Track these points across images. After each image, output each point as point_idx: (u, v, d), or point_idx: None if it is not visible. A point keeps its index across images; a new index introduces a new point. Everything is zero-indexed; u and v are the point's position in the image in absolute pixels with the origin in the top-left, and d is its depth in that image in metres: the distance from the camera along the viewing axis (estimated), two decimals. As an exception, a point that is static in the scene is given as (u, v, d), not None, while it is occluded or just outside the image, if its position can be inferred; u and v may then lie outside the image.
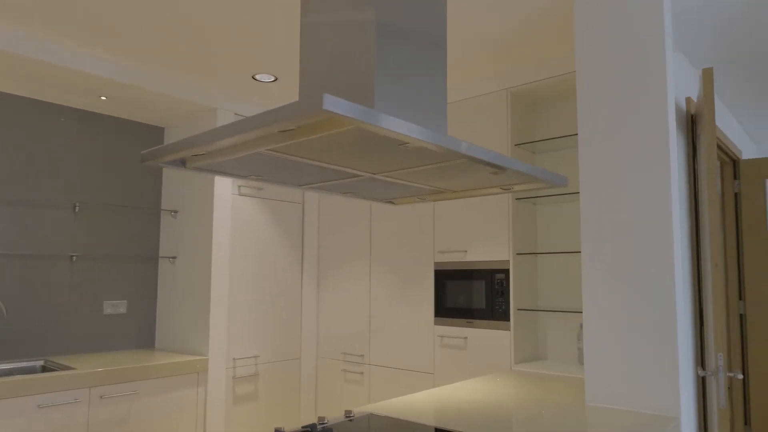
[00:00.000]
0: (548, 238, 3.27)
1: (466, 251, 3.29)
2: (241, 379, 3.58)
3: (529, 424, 1.83)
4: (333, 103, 1.07)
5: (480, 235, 3.22)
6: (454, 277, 3.32)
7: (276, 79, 3.40)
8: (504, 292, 3.10)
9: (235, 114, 3.64)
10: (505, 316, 3.08)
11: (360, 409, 2.02)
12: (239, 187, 3.66)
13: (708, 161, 2.50)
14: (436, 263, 3.41)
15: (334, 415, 3.89)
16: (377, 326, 3.68)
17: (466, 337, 3.23)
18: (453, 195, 1.96)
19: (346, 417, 1.88)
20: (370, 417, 1.90)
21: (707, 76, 2.53)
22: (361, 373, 3.72)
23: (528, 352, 3.20)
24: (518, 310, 3.11)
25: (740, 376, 2.53)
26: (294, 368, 3.91)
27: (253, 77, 3.37)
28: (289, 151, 1.40)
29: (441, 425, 1.79)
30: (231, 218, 3.60)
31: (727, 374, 2.67)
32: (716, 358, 2.47)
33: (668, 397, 1.98)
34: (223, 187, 3.54)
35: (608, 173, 2.18)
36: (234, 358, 3.56)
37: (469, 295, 3.24)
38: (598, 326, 2.15)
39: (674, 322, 1.99)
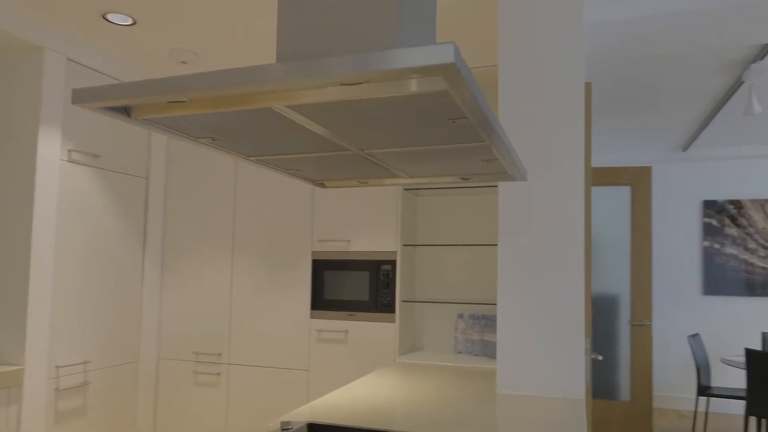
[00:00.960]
0: (427, 231, 3.27)
1: (349, 241, 3.11)
2: (65, 391, 2.88)
3: (475, 417, 1.76)
4: (458, 56, 0.83)
5: (365, 224, 3.08)
6: (336, 267, 3.12)
7: (134, 23, 2.78)
8: (390, 284, 3.00)
9: (68, 59, 2.89)
10: (390, 308, 2.99)
11: (293, 418, 1.73)
12: (69, 151, 2.92)
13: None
14: (314, 252, 3.17)
15: (181, 426, 3.38)
16: (240, 321, 3.29)
17: (347, 331, 3.06)
18: (414, 181, 1.79)
19: (284, 429, 1.59)
20: (312, 427, 1.64)
21: (587, 89, 2.76)
22: (218, 374, 3.29)
23: (408, 344, 3.16)
24: (403, 302, 3.05)
25: (600, 357, 2.83)
26: (131, 373, 3.28)
27: (103, 16, 2.71)
28: (302, 113, 1.09)
29: (398, 428, 1.61)
30: (58, 191, 2.86)
31: (590, 356, 2.97)
32: (585, 342, 2.72)
33: (575, 381, 2.10)
34: (50, 149, 2.78)
35: (526, 167, 2.22)
36: (57, 366, 2.84)
37: (352, 286, 3.08)
38: (512, 317, 2.19)
39: (581, 312, 2.11)
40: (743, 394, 4.36)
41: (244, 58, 3.16)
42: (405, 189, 3.10)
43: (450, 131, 1.20)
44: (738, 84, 3.66)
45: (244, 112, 1.09)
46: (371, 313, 3.03)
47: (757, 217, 5.73)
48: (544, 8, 2.25)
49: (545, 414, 1.87)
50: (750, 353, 3.85)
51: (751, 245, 5.72)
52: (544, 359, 2.14)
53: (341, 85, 0.96)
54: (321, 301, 3.13)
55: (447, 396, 2.10)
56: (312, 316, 3.14)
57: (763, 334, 4.87)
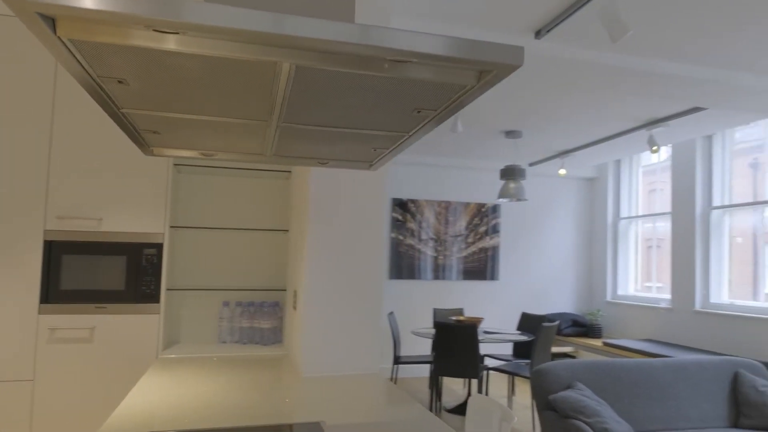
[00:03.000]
0: (191, 212, 2.99)
1: (101, 219, 2.60)
2: None
3: (292, 402, 1.76)
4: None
5: (123, 201, 2.63)
6: (80, 251, 2.57)
7: None
8: (154, 270, 2.64)
9: None
10: (153, 298, 2.63)
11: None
12: None
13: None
14: (47, 232, 2.54)
15: None
16: None
17: (93, 327, 2.56)
18: (278, 161, 1.66)
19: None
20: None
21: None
22: None
23: (169, 338, 2.83)
24: (168, 290, 2.72)
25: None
26: None
27: None
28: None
29: (228, 425, 1.50)
30: None
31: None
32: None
33: (372, 358, 2.29)
34: None
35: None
36: None
37: (103, 274, 2.58)
38: (318, 302, 2.24)
39: (380, 295, 2.32)
40: (429, 359, 5.30)
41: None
42: (176, 164, 2.77)
43: (403, 119, 1.20)
44: (449, 104, 4.42)
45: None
46: (129, 305, 2.60)
47: (428, 214, 6.99)
48: None
49: (356, 390, 1.98)
50: (438, 326, 4.72)
51: (424, 237, 6.95)
52: (346, 341, 2.25)
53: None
54: (56, 293, 2.53)
55: (249, 386, 2.01)
56: (42, 312, 2.51)
57: (434, 309, 6.00)
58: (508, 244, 6.98)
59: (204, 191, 3.01)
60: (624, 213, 6.81)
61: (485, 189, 6.98)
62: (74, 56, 0.86)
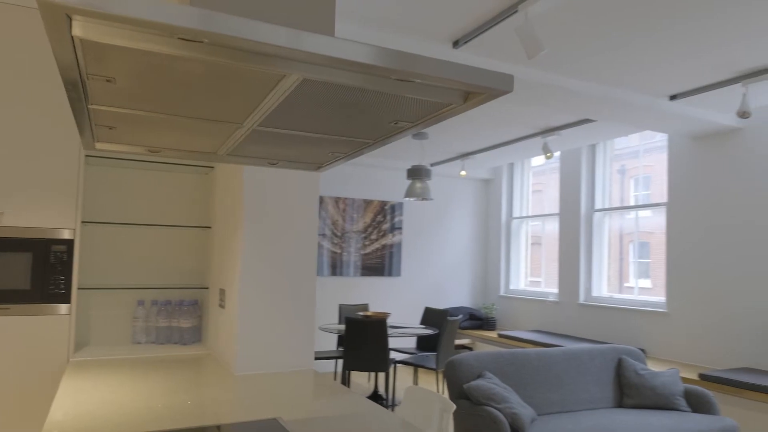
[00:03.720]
0: (102, 207, 2.81)
1: (1, 213, 2.38)
2: None
3: (240, 401, 1.78)
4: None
5: (28, 193, 2.42)
6: (-23, 247, 2.33)
7: None
8: (64, 269, 2.46)
9: None
10: (63, 298, 2.45)
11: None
12: None
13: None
14: (-62, 226, 2.27)
15: None
16: None
17: (-7, 331, 2.33)
18: (231, 159, 1.63)
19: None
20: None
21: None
22: None
23: (78, 338, 2.65)
24: (80, 289, 2.54)
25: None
26: None
27: None
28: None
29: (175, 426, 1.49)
30: None
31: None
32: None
33: (306, 355, 2.33)
34: None
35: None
36: None
37: (5, 272, 2.36)
38: (252, 301, 2.24)
39: (313, 292, 2.36)
40: (336, 354, 5.36)
41: None
42: (87, 155, 2.59)
43: (378, 128, 1.25)
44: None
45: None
46: (35, 305, 2.40)
47: (333, 211, 7.04)
48: None
49: (299, 386, 2.01)
50: (348, 321, 4.80)
51: (327, 233, 6.99)
52: (281, 338, 2.26)
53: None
54: (-52, 294, 2.28)
55: (184, 387, 1.97)
56: (-69, 315, 2.25)
57: (340, 305, 6.07)
58: (410, 241, 7.22)
59: (118, 185, 2.84)
60: (516, 213, 7.32)
61: (389, 187, 7.16)
62: (75, 53, 0.83)
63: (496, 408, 3.05)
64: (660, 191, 5.48)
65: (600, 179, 6.04)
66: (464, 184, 7.54)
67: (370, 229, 7.12)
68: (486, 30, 3.07)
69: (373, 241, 7.12)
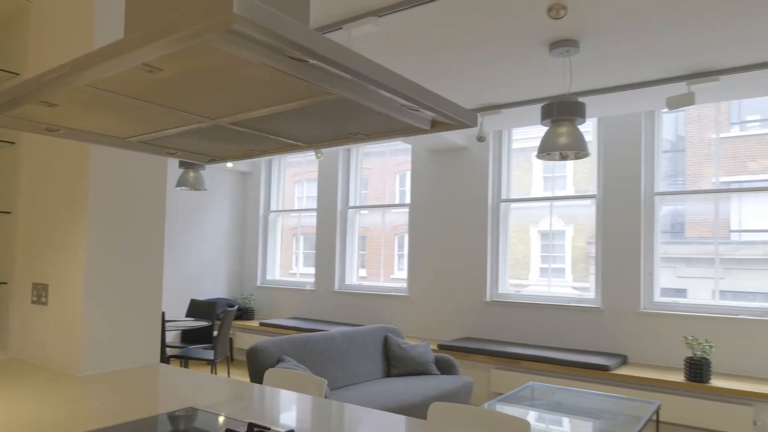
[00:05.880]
0: None
1: None
2: None
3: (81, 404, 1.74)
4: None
5: None
6: None
7: None
8: None
9: None
10: None
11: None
12: None
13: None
14: None
15: None
16: None
17: None
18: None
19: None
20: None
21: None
22: None
23: None
24: None
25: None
26: None
27: None
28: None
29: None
30: None
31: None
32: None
33: (153, 350, 2.28)
34: None
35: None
36: None
37: None
38: (99, 296, 2.10)
39: (160, 286, 2.32)
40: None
41: None
42: None
43: (332, 135, 1.44)
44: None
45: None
46: None
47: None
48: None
49: (158, 381, 2.01)
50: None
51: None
52: (126, 334, 2.16)
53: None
54: None
55: (19, 400, 1.78)
56: None
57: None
58: (171, 231, 6.87)
59: None
60: (273, 206, 7.61)
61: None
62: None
63: (302, 387, 3.33)
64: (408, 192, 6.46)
65: (353, 179, 6.76)
66: (224, 176, 7.50)
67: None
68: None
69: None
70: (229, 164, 6.63)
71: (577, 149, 3.21)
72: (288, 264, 7.45)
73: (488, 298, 5.49)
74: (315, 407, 1.72)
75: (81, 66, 0.99)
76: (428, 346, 4.55)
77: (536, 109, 4.70)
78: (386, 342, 4.48)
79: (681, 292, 4.76)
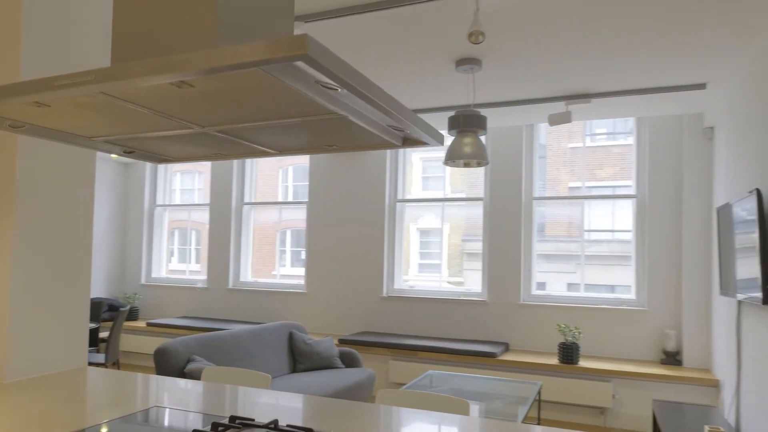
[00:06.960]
0: None
1: None
2: None
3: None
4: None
5: None
6: None
7: None
8: None
9: None
10: None
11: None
12: None
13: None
14: None
15: None
16: None
17: None
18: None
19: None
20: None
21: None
22: None
23: None
24: None
25: None
26: None
27: None
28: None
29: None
30: None
31: None
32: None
33: (80, 352, 2.21)
34: None
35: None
36: None
37: None
38: (25, 299, 2.01)
39: (88, 288, 2.25)
40: None
41: None
42: None
43: (308, 145, 1.54)
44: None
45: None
46: None
47: None
48: None
49: (100, 383, 1.98)
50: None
51: None
52: (55, 337, 2.07)
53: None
54: None
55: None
56: None
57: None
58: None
59: None
60: (160, 201, 7.26)
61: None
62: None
63: (217, 385, 3.31)
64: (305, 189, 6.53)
65: (249, 176, 6.69)
66: (103, 166, 7.01)
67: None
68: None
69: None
70: (113, 155, 6.22)
71: (479, 158, 3.55)
72: (179, 260, 7.16)
73: (384, 294, 5.76)
74: (280, 400, 1.81)
75: (110, 76, 1.02)
76: (332, 341, 4.69)
77: (440, 117, 5.03)
78: (291, 338, 4.56)
79: (541, 285, 5.39)
